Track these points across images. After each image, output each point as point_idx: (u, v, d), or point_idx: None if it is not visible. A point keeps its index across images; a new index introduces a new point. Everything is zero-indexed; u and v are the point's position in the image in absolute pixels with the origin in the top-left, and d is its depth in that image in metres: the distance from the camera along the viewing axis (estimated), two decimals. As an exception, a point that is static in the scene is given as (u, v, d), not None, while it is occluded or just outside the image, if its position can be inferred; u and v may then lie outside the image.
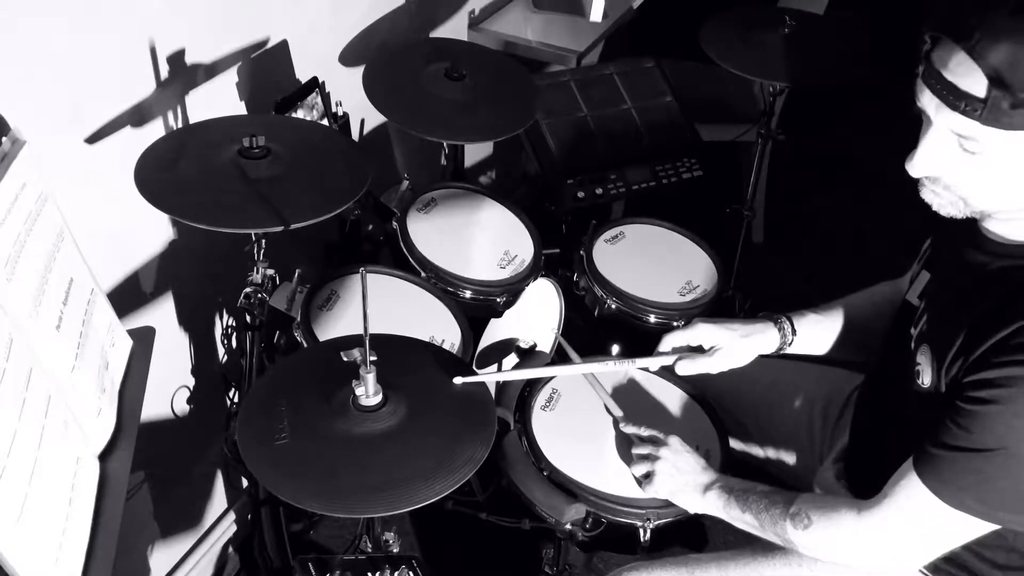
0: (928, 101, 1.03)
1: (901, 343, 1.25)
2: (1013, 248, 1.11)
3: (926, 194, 1.11)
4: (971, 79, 0.97)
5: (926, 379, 1.17)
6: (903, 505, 1.13)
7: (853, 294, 1.49)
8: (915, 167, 1.07)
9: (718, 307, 1.74)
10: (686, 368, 1.42)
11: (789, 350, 1.46)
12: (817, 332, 1.46)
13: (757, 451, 1.59)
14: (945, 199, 1.10)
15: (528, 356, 1.72)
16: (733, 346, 1.41)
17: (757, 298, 2.20)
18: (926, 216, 1.25)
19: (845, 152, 3.38)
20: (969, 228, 1.16)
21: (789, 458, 1.56)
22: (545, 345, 1.76)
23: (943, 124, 1.02)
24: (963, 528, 1.11)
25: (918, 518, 1.12)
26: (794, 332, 1.45)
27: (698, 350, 1.43)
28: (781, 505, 1.24)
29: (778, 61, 2.07)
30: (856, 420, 1.42)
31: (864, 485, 1.22)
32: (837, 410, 1.52)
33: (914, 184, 1.15)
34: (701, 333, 1.42)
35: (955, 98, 0.99)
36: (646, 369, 1.54)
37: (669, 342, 1.44)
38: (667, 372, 1.57)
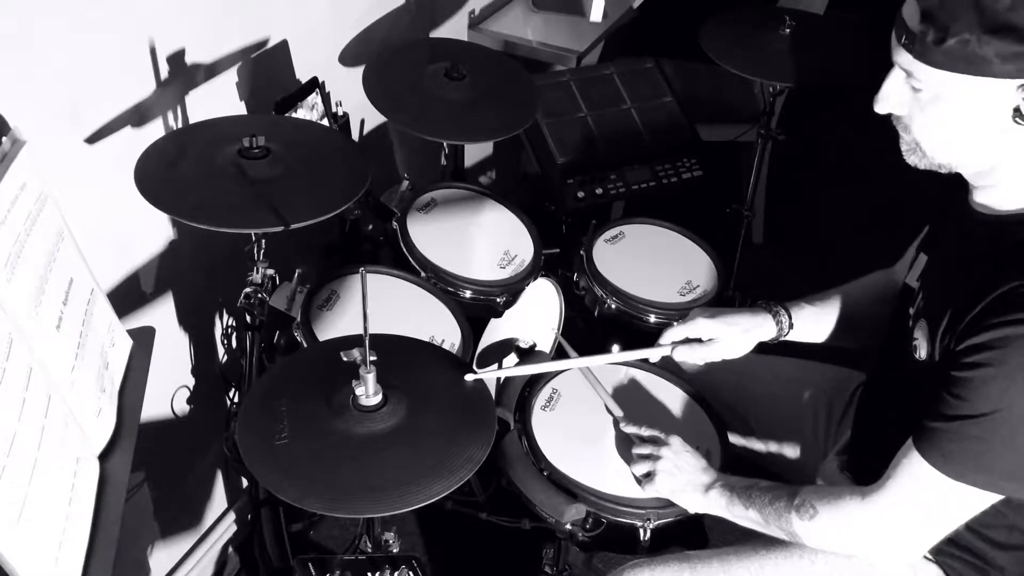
0: (891, 42, 1.10)
1: (900, 324, 1.27)
2: (999, 217, 1.13)
3: (900, 143, 1.17)
4: (911, 14, 1.06)
5: (922, 352, 1.18)
6: (906, 484, 1.14)
7: (848, 284, 1.51)
8: (877, 102, 1.14)
9: (718, 307, 1.73)
10: (685, 355, 1.43)
11: (786, 339, 1.48)
12: (814, 322, 1.48)
13: (759, 446, 1.59)
14: (906, 143, 1.16)
15: (528, 356, 1.72)
16: (732, 339, 1.43)
17: (757, 298, 2.20)
18: (924, 206, 1.27)
19: (845, 152, 3.38)
20: (960, 204, 1.19)
21: (792, 453, 1.56)
22: (545, 345, 1.76)
23: (896, 60, 1.10)
24: (967, 503, 1.12)
25: (922, 496, 1.13)
26: (791, 324, 1.46)
27: (697, 341, 1.44)
28: (785, 498, 1.24)
29: (778, 61, 2.07)
30: (859, 407, 1.43)
31: (867, 473, 1.22)
32: (841, 407, 1.53)
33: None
34: (700, 327, 1.43)
35: (899, 31, 1.08)
36: (646, 361, 1.54)
37: (669, 336, 1.45)
38: (667, 371, 1.58)
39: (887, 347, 1.34)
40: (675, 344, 1.44)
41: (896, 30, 1.09)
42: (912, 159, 1.16)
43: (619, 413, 1.46)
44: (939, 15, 1.02)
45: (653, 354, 1.46)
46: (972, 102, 1.05)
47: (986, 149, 1.10)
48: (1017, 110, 1.03)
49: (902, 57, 1.08)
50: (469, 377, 1.22)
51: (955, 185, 1.18)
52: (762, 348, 1.49)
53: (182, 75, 1.51)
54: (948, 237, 1.24)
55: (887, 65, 1.12)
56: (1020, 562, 1.22)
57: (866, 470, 1.25)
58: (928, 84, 1.07)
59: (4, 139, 0.97)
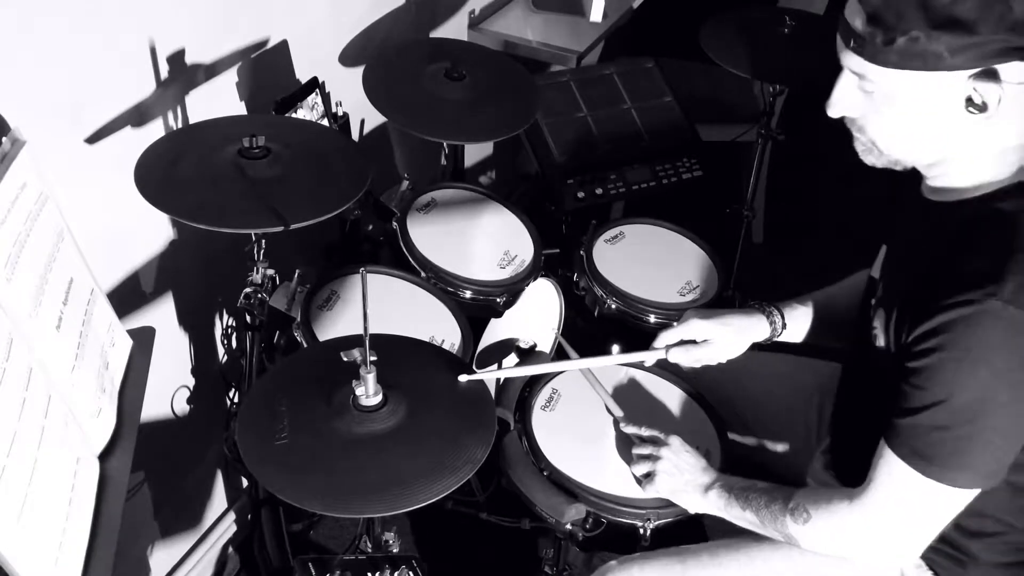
0: (837, 45, 1.11)
1: (863, 315, 1.29)
2: (947, 203, 1.15)
3: (856, 143, 1.19)
4: (856, 18, 1.06)
5: (880, 341, 1.19)
6: (887, 485, 1.14)
7: (837, 284, 1.52)
8: (829, 107, 1.15)
9: (717, 307, 1.74)
10: (679, 357, 1.44)
11: (779, 339, 1.50)
12: (805, 322, 1.49)
13: (754, 443, 1.59)
14: (862, 144, 1.17)
15: (528, 356, 1.72)
16: (726, 339, 1.44)
17: (757, 298, 2.20)
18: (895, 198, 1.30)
19: (845, 152, 3.38)
20: (913, 193, 1.21)
21: (789, 450, 1.56)
22: (545, 345, 1.76)
23: (845, 65, 1.11)
24: (950, 497, 1.11)
25: (904, 495, 1.13)
26: (784, 324, 1.47)
27: (692, 343, 1.44)
28: (780, 501, 1.24)
29: (778, 61, 2.07)
30: (835, 404, 1.43)
31: (847, 470, 1.23)
32: (831, 403, 1.53)
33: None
34: (694, 328, 1.44)
35: (846, 35, 1.08)
36: (641, 364, 1.54)
37: (664, 339, 1.45)
38: (667, 371, 1.58)
39: (855, 340, 1.34)
40: (669, 347, 1.45)
41: (842, 34, 1.09)
42: (869, 159, 1.18)
43: (619, 413, 1.46)
44: (885, 16, 1.03)
45: (648, 357, 1.46)
46: (925, 97, 1.06)
47: (940, 141, 1.11)
48: (969, 100, 1.04)
49: (851, 60, 1.09)
50: (463, 378, 1.21)
51: (908, 175, 1.20)
52: (756, 346, 1.50)
53: (182, 75, 1.51)
54: (902, 227, 1.26)
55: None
56: (992, 550, 1.23)
57: (846, 466, 1.26)
58: (880, 84, 1.08)
59: (4, 139, 0.97)
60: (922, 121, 1.09)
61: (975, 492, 1.11)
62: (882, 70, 1.06)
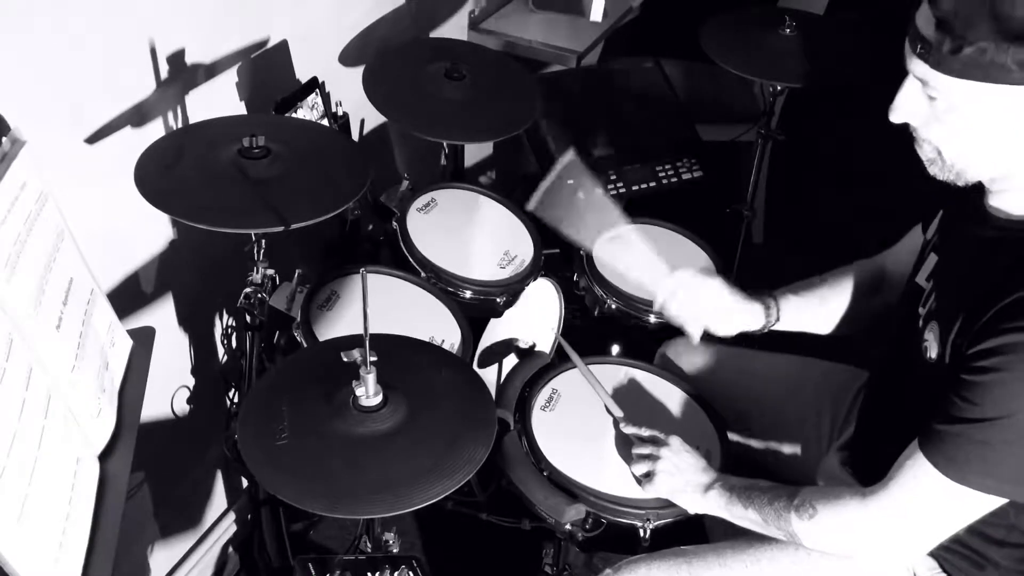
0: (905, 50, 1.09)
1: (909, 324, 1.27)
2: (1014, 222, 1.13)
3: (920, 152, 1.16)
4: (926, 24, 1.05)
5: (932, 353, 1.18)
6: (909, 486, 1.14)
7: (830, 273, 1.53)
8: (892, 112, 1.13)
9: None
10: (676, 307, 1.48)
11: (774, 328, 1.51)
12: (801, 312, 1.50)
13: (761, 444, 1.59)
14: (927, 153, 1.15)
15: (528, 356, 1.72)
16: (715, 298, 1.48)
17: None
18: (928, 206, 1.29)
19: (845, 152, 3.37)
20: (974, 205, 1.19)
21: (793, 451, 1.56)
22: (545, 345, 1.76)
23: (910, 70, 1.09)
24: (971, 506, 1.12)
25: (925, 499, 1.13)
26: (778, 316, 1.48)
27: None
28: (785, 498, 1.24)
29: (778, 61, 2.07)
30: (864, 404, 1.43)
31: (869, 470, 1.22)
32: (845, 405, 1.53)
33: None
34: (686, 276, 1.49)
35: (913, 41, 1.07)
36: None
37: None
38: (667, 371, 1.58)
39: (895, 346, 1.34)
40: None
41: (910, 40, 1.08)
42: (933, 169, 1.15)
43: (619, 413, 1.46)
44: (955, 24, 1.01)
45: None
46: (990, 110, 1.05)
47: (1005, 155, 1.10)
48: None
49: (917, 67, 1.07)
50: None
51: (968, 187, 1.18)
52: (760, 344, 1.49)
53: (182, 75, 1.51)
54: (962, 238, 1.23)
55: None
56: (1013, 558, 1.23)
57: (868, 467, 1.25)
58: (945, 93, 1.06)
59: (4, 139, 0.97)
60: (985, 134, 1.08)
61: (998, 501, 1.11)
62: (946, 78, 1.04)
